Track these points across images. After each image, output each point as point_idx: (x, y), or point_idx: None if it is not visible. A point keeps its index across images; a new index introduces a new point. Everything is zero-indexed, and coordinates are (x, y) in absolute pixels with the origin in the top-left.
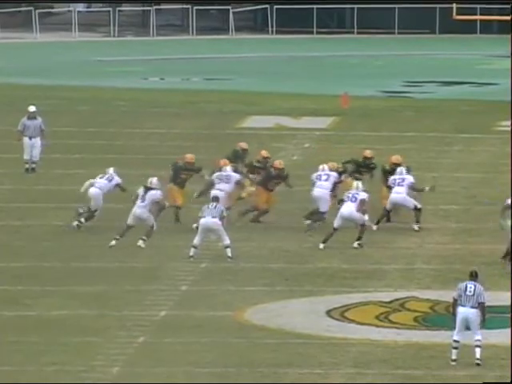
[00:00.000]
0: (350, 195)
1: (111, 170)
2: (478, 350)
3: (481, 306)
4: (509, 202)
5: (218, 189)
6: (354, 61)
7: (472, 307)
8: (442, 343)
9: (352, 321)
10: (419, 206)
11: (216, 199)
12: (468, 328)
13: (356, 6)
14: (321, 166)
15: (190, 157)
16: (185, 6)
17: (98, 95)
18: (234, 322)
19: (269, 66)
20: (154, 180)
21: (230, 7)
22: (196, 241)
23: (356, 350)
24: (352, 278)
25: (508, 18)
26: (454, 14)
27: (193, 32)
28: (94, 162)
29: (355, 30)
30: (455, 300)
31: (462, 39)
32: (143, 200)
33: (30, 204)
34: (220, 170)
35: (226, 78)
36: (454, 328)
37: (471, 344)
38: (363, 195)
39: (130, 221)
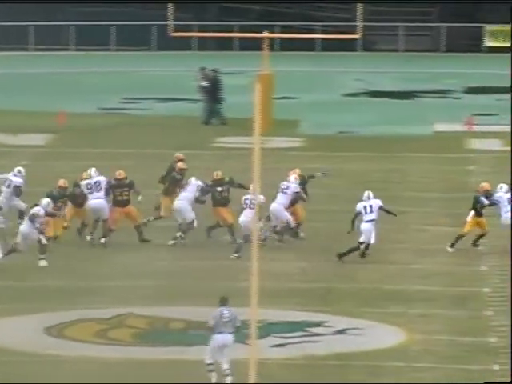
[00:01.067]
0: None
1: None
2: (229, 378)
3: (237, 329)
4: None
5: (95, 197)
6: (70, 77)
7: (230, 333)
8: (160, 359)
9: (70, 338)
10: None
11: None
12: (222, 354)
13: (73, 23)
14: (188, 180)
15: (62, 181)
16: None
17: None
18: None
19: None
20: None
21: None
22: None
23: (73, 367)
24: (71, 294)
25: (222, 34)
26: (171, 30)
27: None
28: None
29: (72, 47)
30: (211, 327)
31: (179, 56)
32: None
33: None
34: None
35: None
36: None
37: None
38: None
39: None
